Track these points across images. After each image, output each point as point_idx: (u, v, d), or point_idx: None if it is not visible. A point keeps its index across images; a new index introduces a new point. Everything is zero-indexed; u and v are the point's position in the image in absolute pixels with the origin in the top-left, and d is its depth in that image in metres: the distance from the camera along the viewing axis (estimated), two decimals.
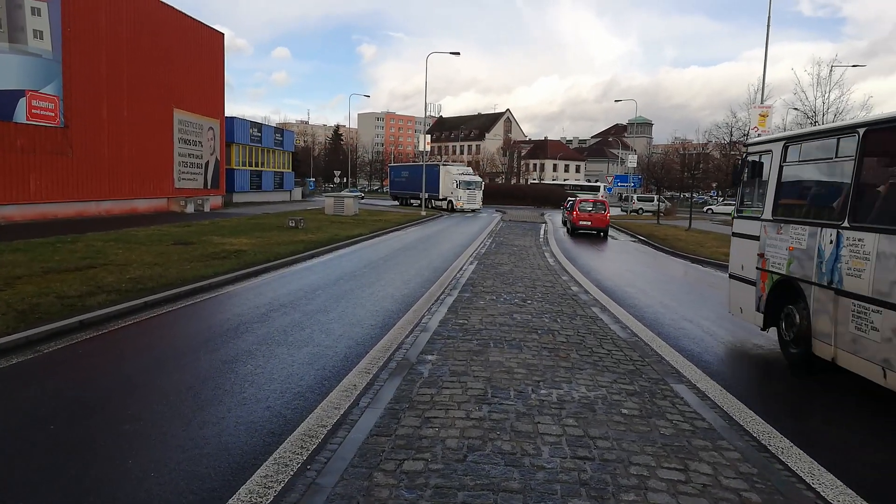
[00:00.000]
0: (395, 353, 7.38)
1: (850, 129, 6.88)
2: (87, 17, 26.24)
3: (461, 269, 15.17)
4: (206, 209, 35.48)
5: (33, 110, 23.51)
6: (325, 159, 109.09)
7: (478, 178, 54.37)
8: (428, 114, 67.87)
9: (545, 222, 38.23)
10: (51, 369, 6.76)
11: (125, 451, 4.69)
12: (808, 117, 32.21)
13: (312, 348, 7.70)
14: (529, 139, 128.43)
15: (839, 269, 6.56)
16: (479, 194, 51.40)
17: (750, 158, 9.23)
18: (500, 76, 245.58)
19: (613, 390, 6.22)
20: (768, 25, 24.48)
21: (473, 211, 49.38)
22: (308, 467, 4.42)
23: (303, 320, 9.24)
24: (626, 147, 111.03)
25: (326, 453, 4.64)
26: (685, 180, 51.28)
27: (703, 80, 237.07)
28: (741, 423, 5.54)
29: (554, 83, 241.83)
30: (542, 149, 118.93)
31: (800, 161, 8.09)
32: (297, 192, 60.10)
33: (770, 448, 5.00)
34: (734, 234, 9.69)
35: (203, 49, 36.81)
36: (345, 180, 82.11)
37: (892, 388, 5.78)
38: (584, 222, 29.23)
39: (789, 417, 5.99)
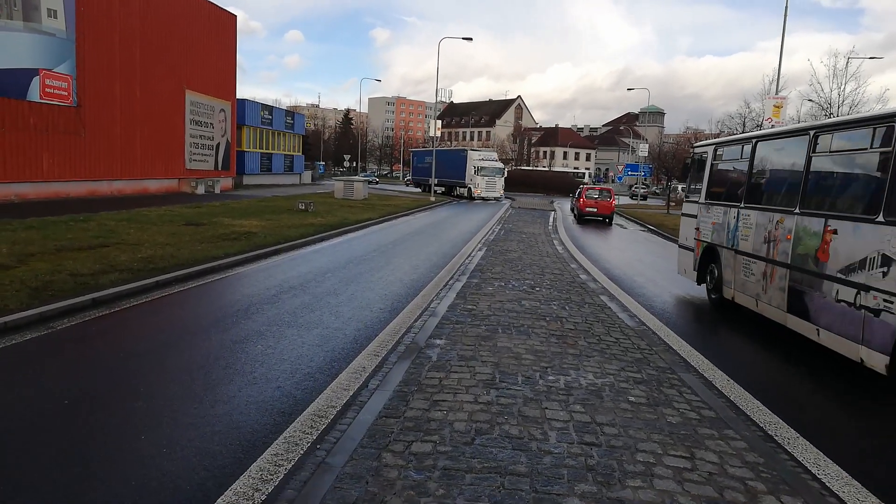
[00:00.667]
0: (404, 337, 7.42)
1: (747, 140, 10.12)
2: None
3: (470, 254, 15.19)
4: (217, 191, 35.60)
5: (46, 89, 23.61)
6: (336, 143, 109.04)
7: (499, 164, 49.31)
8: (439, 99, 67.58)
9: (554, 210, 38.14)
10: (64, 346, 6.85)
11: (137, 429, 4.76)
12: (822, 109, 31.85)
13: (322, 330, 7.76)
14: (540, 126, 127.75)
15: (737, 236, 9.66)
16: (499, 181, 47.57)
17: (695, 157, 12.16)
18: (513, 63, 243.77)
19: (621, 378, 6.24)
20: (785, 15, 24.20)
21: (496, 199, 46.38)
22: (318, 447, 4.47)
23: (312, 302, 9.30)
24: (637, 136, 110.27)
25: (336, 433, 4.69)
26: None
27: (718, 70, 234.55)
28: (746, 411, 5.55)
29: (567, 71, 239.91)
30: (552, 136, 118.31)
31: (723, 160, 11.00)
32: (307, 176, 60.17)
33: (776, 438, 5.02)
34: (683, 215, 12.46)
35: (215, 30, 36.75)
36: (354, 164, 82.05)
37: (761, 313, 8.79)
38: (591, 209, 30.64)
39: (810, 421, 6.00)
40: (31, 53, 22.96)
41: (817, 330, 7.22)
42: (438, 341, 7.24)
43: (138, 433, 4.66)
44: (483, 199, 45.87)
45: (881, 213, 6.20)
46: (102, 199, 25.50)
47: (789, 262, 7.98)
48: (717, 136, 66.66)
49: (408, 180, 70.29)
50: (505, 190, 50.14)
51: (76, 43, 24.86)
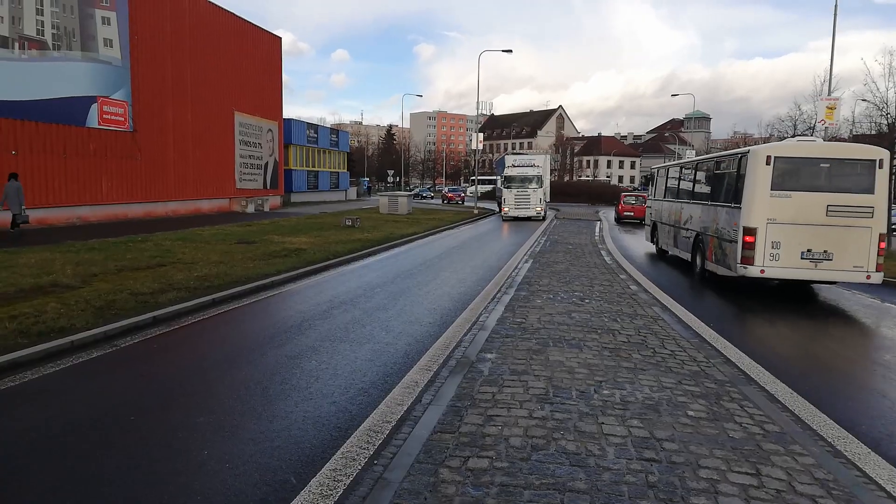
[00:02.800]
0: (455, 351, 7.43)
1: (669, 166, 19.24)
2: (153, 25, 27.34)
3: (516, 267, 15.13)
4: (266, 209, 36.44)
5: (104, 115, 24.66)
6: (379, 159, 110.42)
7: (534, 169, 35.84)
8: (480, 112, 67.73)
9: (600, 220, 37.69)
10: (128, 363, 7.10)
11: (200, 443, 4.89)
12: (878, 109, 30.66)
13: (373, 345, 7.84)
14: (582, 136, 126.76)
15: (661, 216, 18.66)
16: (536, 192, 34.87)
17: (650, 174, 21.80)
18: (555, 73, 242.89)
19: (678, 391, 6.10)
20: (835, 13, 23.48)
21: (534, 218, 34.71)
22: (375, 462, 4.51)
23: (363, 317, 9.41)
24: (682, 142, 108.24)
25: (392, 448, 4.72)
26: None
27: (768, 73, 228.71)
28: (813, 426, 5.35)
29: (611, 78, 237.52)
30: (595, 145, 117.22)
31: (660, 176, 19.87)
32: (353, 192, 61.06)
33: (846, 454, 4.82)
34: (647, 207, 22.17)
35: (262, 53, 37.80)
36: (397, 179, 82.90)
37: (675, 254, 16.80)
38: (628, 213, 36.94)
39: (868, 428, 5.76)
40: (89, 82, 24.05)
41: (700, 256, 14.44)
42: (489, 355, 7.23)
43: (201, 448, 4.79)
44: (514, 218, 34.56)
45: (723, 200, 13.34)
46: (158, 219, 26.40)
47: (676, 224, 16.84)
48: (768, 139, 65.10)
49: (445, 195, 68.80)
50: (549, 201, 46.97)
51: (131, 70, 25.93)
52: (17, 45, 21.05)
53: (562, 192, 67.52)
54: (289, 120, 45.68)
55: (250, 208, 34.64)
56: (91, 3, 24.02)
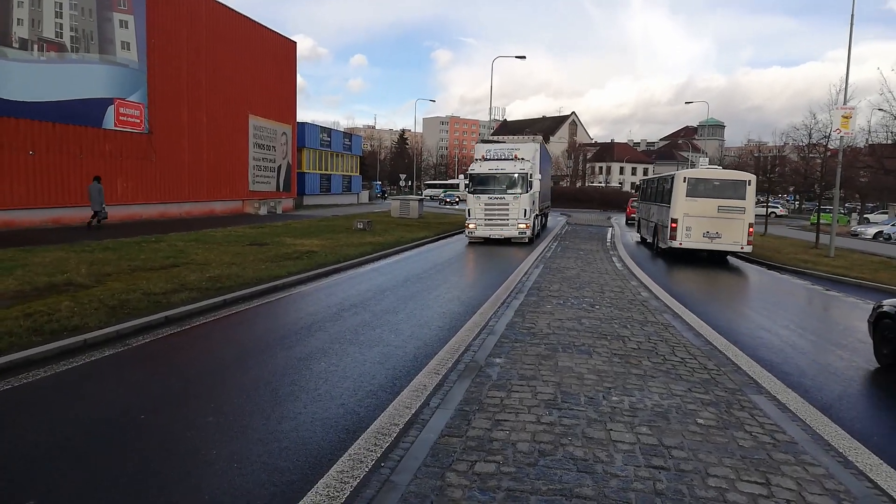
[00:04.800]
0: (464, 355, 7.43)
1: (648, 179, 28.01)
2: (170, 28, 27.61)
3: (526, 272, 15.10)
4: (279, 211, 36.61)
5: (121, 117, 24.91)
6: (391, 163, 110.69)
7: (517, 165, 22.83)
8: (493, 118, 67.61)
9: (611, 226, 37.57)
10: (140, 362, 7.15)
11: (209, 443, 4.92)
12: (894, 118, 30.36)
13: (382, 348, 7.85)
14: (595, 142, 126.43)
15: (642, 213, 27.20)
16: (520, 200, 22.19)
17: (639, 185, 30.72)
18: (571, 79, 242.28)
19: (688, 399, 6.07)
20: (851, 23, 23.26)
21: (516, 240, 22.63)
22: (382, 464, 4.52)
23: (372, 320, 9.43)
24: (696, 150, 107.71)
25: (399, 451, 4.73)
26: (760, 183, 49.36)
27: (784, 82, 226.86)
28: (826, 438, 5.30)
29: (626, 86, 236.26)
30: (608, 152, 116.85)
31: (643, 186, 28.22)
32: (365, 195, 61.22)
33: (857, 464, 4.77)
34: (638, 208, 29.15)
35: (277, 57, 38.06)
36: (409, 183, 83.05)
37: (646, 238, 24.94)
38: (634, 215, 36.38)
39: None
40: (106, 84, 24.31)
41: (655, 238, 22.09)
42: (498, 360, 7.22)
43: (210, 447, 4.82)
44: (482, 238, 22.61)
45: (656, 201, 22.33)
46: (172, 220, 26.60)
47: (646, 218, 24.89)
48: (782, 148, 64.74)
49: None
50: (561, 206, 44.15)
51: (147, 73, 26.18)
52: (36, 47, 21.32)
53: (574, 199, 67.44)
54: (302, 123, 45.92)
55: (263, 210, 34.82)
56: (109, 7, 24.30)
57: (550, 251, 20.87)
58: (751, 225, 19.06)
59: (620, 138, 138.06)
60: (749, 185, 19.27)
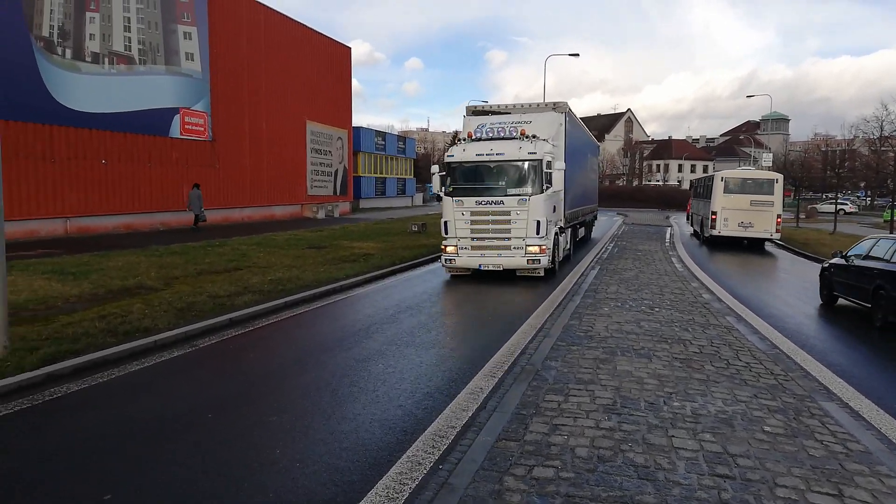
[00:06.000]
0: (520, 358, 7.41)
1: (699, 178, 33.80)
2: (231, 38, 28.53)
3: (583, 273, 14.92)
4: (336, 215, 37.31)
5: (186, 126, 25.88)
6: None
7: (522, 148, 13.49)
8: None
9: (671, 225, 36.64)
10: (206, 362, 7.43)
11: (273, 442, 5.06)
12: None
13: (439, 350, 7.90)
14: (652, 139, 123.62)
15: (695, 208, 29.69)
16: (528, 207, 13.21)
17: (693, 184, 35.16)
18: (628, 75, 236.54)
19: (754, 405, 5.88)
20: None
21: (506, 270, 13.74)
22: (440, 467, 4.55)
23: (428, 322, 9.50)
24: (759, 145, 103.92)
25: (457, 454, 4.75)
26: (828, 179, 47.23)
27: (854, 71, 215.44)
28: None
29: (686, 80, 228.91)
30: (666, 149, 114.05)
31: (696, 185, 31.91)
32: (419, 198, 61.69)
33: None
34: (692, 204, 32.05)
35: (332, 63, 38.79)
36: None
37: (695, 230, 28.68)
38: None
39: None
40: (172, 94, 25.31)
41: (702, 229, 25.59)
42: (554, 363, 7.16)
43: (274, 446, 4.96)
44: (466, 270, 14.01)
45: (703, 197, 26.12)
46: (234, 224, 27.47)
47: (696, 213, 28.61)
48: (852, 141, 61.85)
49: None
50: (617, 206, 42.57)
51: (210, 82, 27.13)
52: (107, 60, 22.40)
53: (630, 198, 66.12)
54: (358, 128, 46.64)
55: (321, 214, 35.56)
56: (174, 19, 25.31)
57: (607, 252, 20.53)
58: (778, 216, 22.88)
59: (679, 135, 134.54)
60: (777, 182, 23.26)
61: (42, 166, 19.63)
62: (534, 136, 13.79)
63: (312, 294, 11.33)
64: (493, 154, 13.50)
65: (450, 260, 13.66)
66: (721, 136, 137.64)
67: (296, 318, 9.89)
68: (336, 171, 39.43)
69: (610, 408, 5.73)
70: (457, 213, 13.46)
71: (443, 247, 13.74)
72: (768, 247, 24.66)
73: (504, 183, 13.48)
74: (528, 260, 13.32)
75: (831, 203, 47.34)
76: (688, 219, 39.39)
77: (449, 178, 13.75)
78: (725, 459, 4.68)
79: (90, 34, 21.66)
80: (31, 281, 11.12)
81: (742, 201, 22.72)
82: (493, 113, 16.52)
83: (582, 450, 4.82)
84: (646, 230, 32.90)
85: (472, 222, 13.37)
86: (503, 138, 13.90)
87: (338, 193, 39.61)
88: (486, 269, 13.46)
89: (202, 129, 26.79)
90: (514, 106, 16.57)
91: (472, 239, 13.42)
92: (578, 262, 16.99)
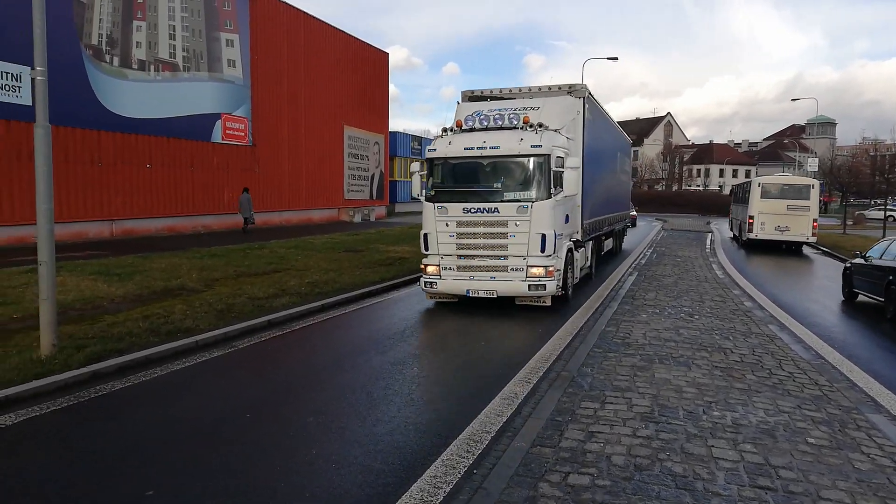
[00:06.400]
0: (555, 365, 7.35)
1: (738, 184, 34.94)
2: (271, 45, 29.06)
3: (620, 279, 14.73)
4: (372, 219, 37.63)
5: (227, 131, 26.45)
6: None
7: (540, 138, 10.65)
8: None
9: (711, 231, 35.92)
10: (245, 363, 7.57)
11: (310, 442, 5.13)
12: None
13: (473, 355, 7.90)
14: (692, 143, 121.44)
15: (734, 213, 30.80)
16: (537, 214, 10.46)
17: (734, 189, 35.92)
18: (668, 79, 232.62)
19: (797, 416, 5.71)
20: None
21: (512, 300, 10.99)
22: (474, 471, 4.55)
23: (461, 327, 9.50)
24: (804, 149, 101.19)
25: (491, 459, 4.74)
26: (877, 185, 45.73)
27: None
28: None
29: (728, 83, 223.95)
30: (706, 153, 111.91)
31: (735, 190, 34.07)
32: None
33: None
34: (732, 209, 32.88)
35: (370, 68, 39.19)
36: None
37: (735, 234, 29.95)
38: None
39: None
40: (214, 100, 25.90)
41: (740, 233, 26.65)
42: (590, 370, 7.09)
43: (311, 447, 5.03)
44: (451, 296, 11.23)
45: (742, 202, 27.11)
46: (273, 228, 27.93)
47: (734, 217, 30.33)
48: None
49: None
50: (656, 211, 42.18)
51: (251, 88, 27.68)
52: (152, 67, 23.05)
53: (670, 203, 65.12)
54: (394, 132, 46.96)
55: (357, 218, 35.90)
56: (217, 27, 25.91)
57: (645, 258, 20.24)
58: (814, 220, 23.66)
59: (720, 139, 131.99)
60: (812, 188, 24.34)
61: (90, 170, 20.28)
62: (540, 125, 10.82)
63: (348, 297, 11.45)
64: (485, 148, 10.64)
65: (430, 283, 10.83)
66: (764, 140, 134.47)
67: (332, 320, 10.00)
68: (373, 176, 39.76)
69: (647, 416, 5.64)
70: (439, 224, 10.73)
71: (422, 266, 10.99)
72: (813, 254, 24.60)
73: (500, 185, 10.62)
74: (529, 285, 10.40)
75: (880, 209, 45.77)
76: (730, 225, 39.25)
77: (430, 179, 11.09)
78: (767, 471, 4.56)
79: (137, 42, 22.32)
80: (79, 281, 11.49)
81: (778, 206, 23.66)
82: (493, 98, 13.42)
83: (619, 458, 4.75)
84: (685, 236, 32.34)
85: (459, 235, 10.63)
86: (501, 128, 11.04)
87: (374, 197, 39.92)
88: (476, 295, 10.63)
89: (243, 134, 27.33)
90: (520, 89, 13.61)
91: (459, 257, 10.67)
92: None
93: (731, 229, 32.36)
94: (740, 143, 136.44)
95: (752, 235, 24.06)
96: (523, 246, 10.41)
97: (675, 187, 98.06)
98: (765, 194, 23.97)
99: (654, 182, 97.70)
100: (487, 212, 10.54)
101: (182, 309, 9.46)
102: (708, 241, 28.40)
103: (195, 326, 8.53)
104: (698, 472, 4.53)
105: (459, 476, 4.47)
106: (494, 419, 5.59)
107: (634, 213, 36.99)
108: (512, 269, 10.49)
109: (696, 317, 10.40)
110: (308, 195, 32.46)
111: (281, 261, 15.53)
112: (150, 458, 4.83)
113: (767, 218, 23.74)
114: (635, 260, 19.41)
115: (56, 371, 6.52)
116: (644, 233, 34.15)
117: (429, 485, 4.34)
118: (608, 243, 18.66)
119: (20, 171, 17.51)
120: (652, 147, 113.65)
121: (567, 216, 11.59)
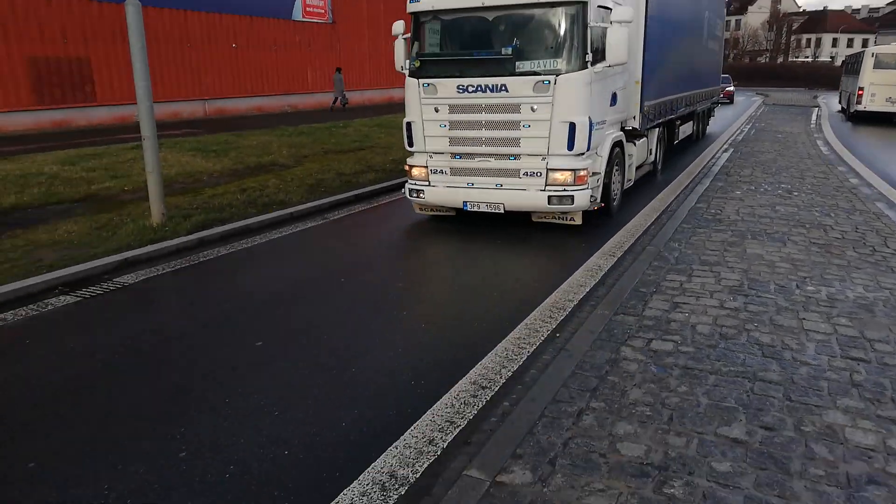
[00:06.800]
0: (641, 238, 7.27)
1: (853, 54, 29.99)
2: None
3: (714, 156, 14.03)
4: None
5: (308, 8, 26.08)
6: None
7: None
8: None
9: (818, 106, 33.08)
10: (337, 233, 7.94)
11: (400, 304, 5.42)
12: None
13: (558, 231, 7.89)
14: (804, 10, 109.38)
15: (844, 85, 29.12)
16: (562, 92, 6.98)
17: (845, 61, 32.12)
18: None
19: None
20: None
21: (510, 212, 7.72)
22: (556, 335, 4.70)
23: None
24: None
25: (574, 325, 4.86)
26: None
27: None
28: None
29: None
30: (819, 22, 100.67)
31: (847, 61, 31.04)
32: None
33: None
34: (841, 81, 30.91)
35: None
36: None
37: (843, 106, 28.19)
38: None
39: None
40: None
41: (848, 105, 25.56)
42: (677, 245, 6.96)
43: (402, 308, 5.33)
44: (444, 207, 8.14)
45: (853, 73, 25.83)
46: (356, 107, 28.02)
47: (844, 90, 28.45)
48: None
49: None
50: (756, 85, 39.84)
51: None
52: None
53: (774, 76, 60.12)
54: None
55: None
56: None
57: (742, 135, 19.05)
58: None
59: (836, 5, 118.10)
60: None
61: (181, 50, 20.75)
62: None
63: None
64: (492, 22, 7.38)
65: (416, 192, 7.85)
66: (888, 4, 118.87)
67: None
68: None
69: (736, 289, 5.55)
70: (426, 109, 7.60)
71: (407, 167, 8.02)
72: None
73: (510, 51, 7.14)
74: (550, 197, 7.27)
75: None
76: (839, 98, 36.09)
77: (416, 44, 8.00)
78: (861, 343, 4.46)
79: None
80: (179, 157, 12.12)
81: (891, 77, 22.50)
82: None
83: (704, 327, 4.76)
84: (788, 111, 29.98)
85: (453, 125, 7.50)
86: None
87: None
88: (476, 209, 7.57)
89: (322, 10, 26.88)
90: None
91: (453, 156, 7.64)
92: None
93: (840, 102, 30.85)
94: (859, 10, 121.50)
95: (860, 107, 23.14)
96: (542, 140, 7.19)
97: (780, 60, 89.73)
98: (878, 65, 22.86)
99: (756, 54, 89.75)
100: (492, 90, 7.21)
101: (275, 183, 9.87)
102: (814, 117, 26.24)
103: (288, 199, 8.93)
104: (787, 342, 4.48)
105: (542, 339, 4.64)
106: (577, 289, 5.68)
107: (731, 88, 34.25)
108: (526, 174, 7.36)
109: (796, 193, 9.85)
110: (389, 73, 32.03)
111: (365, 139, 15.71)
112: (256, 314, 5.28)
113: (879, 89, 22.67)
114: (731, 136, 18.32)
115: (167, 238, 7.08)
116: (743, 108, 31.91)
117: (513, 345, 4.54)
118: (685, 128, 14.55)
119: (115, 52, 18.14)
120: (757, 15, 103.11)
121: (614, 95, 8.17)
